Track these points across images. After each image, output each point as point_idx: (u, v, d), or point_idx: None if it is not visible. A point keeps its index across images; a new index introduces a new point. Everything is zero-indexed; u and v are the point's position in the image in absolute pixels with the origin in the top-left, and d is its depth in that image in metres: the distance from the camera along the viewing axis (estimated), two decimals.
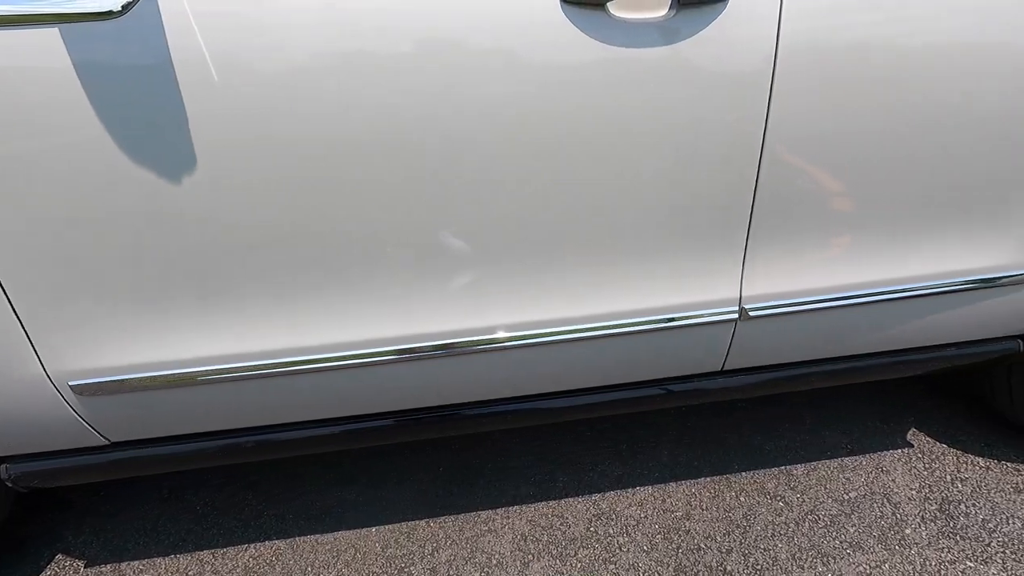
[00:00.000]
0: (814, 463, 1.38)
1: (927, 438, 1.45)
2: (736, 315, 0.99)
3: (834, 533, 1.20)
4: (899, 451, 1.41)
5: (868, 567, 1.13)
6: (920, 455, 1.39)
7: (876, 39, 0.84)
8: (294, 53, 0.71)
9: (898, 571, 1.12)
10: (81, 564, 1.18)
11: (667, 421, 1.51)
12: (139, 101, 0.71)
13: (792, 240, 0.96)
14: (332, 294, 0.86)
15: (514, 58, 0.76)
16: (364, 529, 1.23)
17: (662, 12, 0.78)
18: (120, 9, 0.67)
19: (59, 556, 1.20)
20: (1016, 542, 1.17)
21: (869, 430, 1.47)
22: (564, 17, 0.75)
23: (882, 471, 1.35)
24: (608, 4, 0.76)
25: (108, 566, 1.17)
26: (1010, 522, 1.21)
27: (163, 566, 1.17)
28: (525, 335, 0.94)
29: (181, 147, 0.74)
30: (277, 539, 1.22)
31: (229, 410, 0.94)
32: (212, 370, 0.87)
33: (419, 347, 0.91)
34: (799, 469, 1.36)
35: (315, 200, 0.79)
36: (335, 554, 1.18)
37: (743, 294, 0.98)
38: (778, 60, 0.82)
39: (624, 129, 0.81)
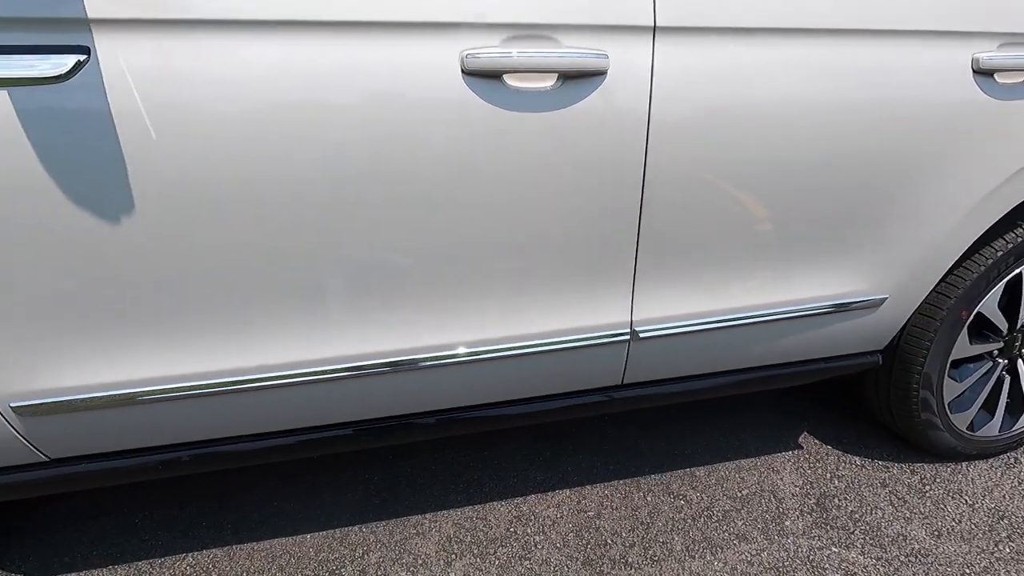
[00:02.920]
0: (715, 465, 1.54)
1: (816, 441, 1.64)
2: (628, 336, 1.14)
3: (725, 526, 1.36)
4: (790, 453, 1.59)
5: (750, 554, 1.29)
6: (807, 456, 1.58)
7: (732, 101, 1.00)
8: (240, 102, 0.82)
9: (774, 557, 1.28)
10: None
11: (586, 430, 1.65)
12: (82, 151, 0.80)
13: (674, 272, 1.11)
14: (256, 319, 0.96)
15: (422, 118, 0.88)
16: (299, 536, 1.32)
17: (549, 83, 0.92)
18: (65, 74, 0.76)
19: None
20: (875, 529, 1.35)
21: (767, 434, 1.65)
22: (464, 84, 0.88)
23: (773, 471, 1.53)
24: (504, 76, 0.90)
25: None
26: (873, 512, 1.40)
27: None
28: (457, 354, 1.05)
29: (119, 189, 0.83)
30: (214, 548, 1.29)
31: (172, 427, 1.01)
32: (152, 391, 0.95)
33: (367, 364, 1.01)
34: (701, 471, 1.52)
35: (252, 235, 0.89)
36: (270, 559, 1.26)
37: (634, 318, 1.13)
38: (651, 121, 0.97)
39: (518, 181, 0.95)
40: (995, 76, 1.14)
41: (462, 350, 1.07)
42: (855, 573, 1.25)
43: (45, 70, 0.75)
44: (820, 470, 1.53)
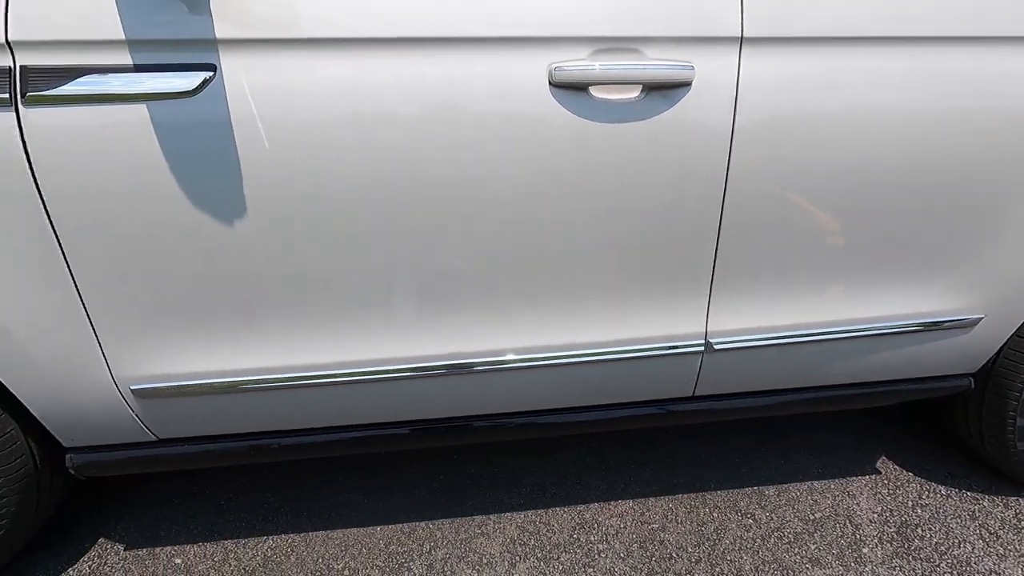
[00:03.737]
0: (786, 485, 1.49)
1: (895, 466, 1.55)
2: (703, 348, 1.13)
3: (796, 549, 1.31)
4: (867, 477, 1.51)
5: None
6: (886, 481, 1.50)
7: (818, 111, 0.98)
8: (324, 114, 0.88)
9: None
10: (121, 547, 1.33)
11: (650, 441, 1.63)
12: (207, 158, 0.88)
13: (752, 284, 1.10)
14: (356, 319, 1.01)
15: (510, 128, 0.91)
16: (370, 528, 1.37)
17: (634, 95, 0.93)
18: (194, 89, 0.84)
19: (101, 540, 1.35)
20: (963, 564, 1.27)
21: (841, 456, 1.58)
22: (551, 96, 0.91)
23: (848, 495, 1.46)
24: (590, 88, 0.92)
25: (144, 550, 1.32)
26: (961, 546, 1.31)
27: (192, 552, 1.32)
28: (531, 358, 1.08)
29: (237, 192, 0.90)
30: (293, 533, 1.36)
31: (265, 415, 1.09)
32: (254, 380, 1.02)
33: (432, 366, 1.06)
34: (771, 490, 1.48)
35: (343, 243, 0.95)
36: (343, 548, 1.32)
37: (708, 330, 1.12)
38: (735, 131, 0.97)
39: (600, 190, 0.97)
40: None
41: (540, 355, 1.09)
42: None
43: (178, 86, 0.84)
44: (901, 497, 1.45)
